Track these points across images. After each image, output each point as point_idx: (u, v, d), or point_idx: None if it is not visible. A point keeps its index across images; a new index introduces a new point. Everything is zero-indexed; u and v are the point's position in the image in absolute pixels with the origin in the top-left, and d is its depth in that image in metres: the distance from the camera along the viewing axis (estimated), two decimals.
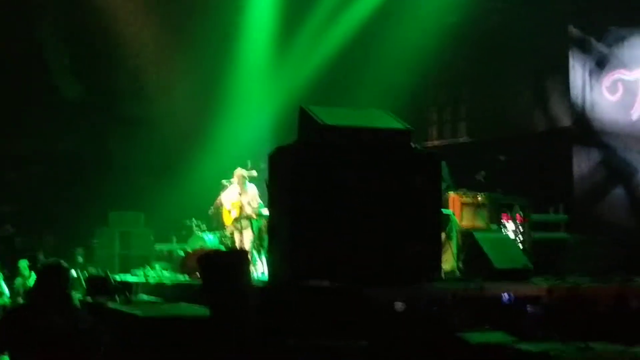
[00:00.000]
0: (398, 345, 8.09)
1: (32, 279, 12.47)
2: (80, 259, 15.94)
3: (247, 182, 13.48)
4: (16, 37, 19.00)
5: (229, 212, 13.34)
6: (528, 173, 14.47)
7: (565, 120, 15.26)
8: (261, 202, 13.14)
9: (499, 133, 16.40)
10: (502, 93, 16.75)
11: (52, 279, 6.72)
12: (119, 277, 12.54)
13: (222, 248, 13.32)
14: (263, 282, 10.35)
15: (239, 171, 13.56)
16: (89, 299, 10.16)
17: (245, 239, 12.93)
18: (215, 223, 14.51)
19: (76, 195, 18.32)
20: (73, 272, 12.72)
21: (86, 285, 11.09)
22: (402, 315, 8.56)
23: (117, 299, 9.76)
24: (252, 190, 13.42)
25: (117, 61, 19.12)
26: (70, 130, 19.79)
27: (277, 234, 9.42)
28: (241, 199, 13.27)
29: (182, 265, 13.04)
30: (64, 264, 7.03)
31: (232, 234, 13.62)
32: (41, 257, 13.19)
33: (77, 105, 19.60)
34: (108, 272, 11.12)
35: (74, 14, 19.10)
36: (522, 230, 12.05)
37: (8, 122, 19.29)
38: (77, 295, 10.04)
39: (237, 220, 13.32)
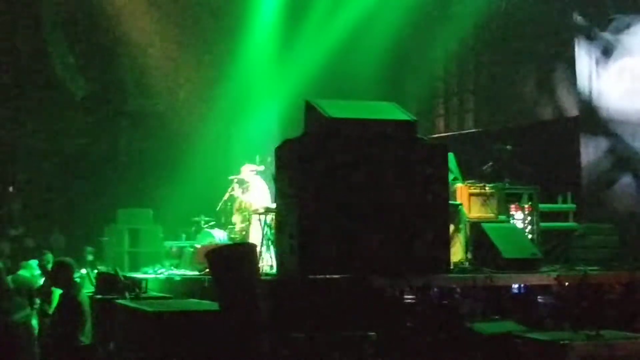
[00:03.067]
0: (408, 336, 8.11)
1: (40, 278, 12.51)
2: (90, 257, 15.97)
3: (255, 177, 13.53)
4: (21, 34, 19.06)
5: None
6: (535, 162, 14.43)
7: (572, 109, 15.23)
8: (269, 196, 13.19)
9: (506, 123, 16.42)
10: (508, 83, 16.74)
11: None
12: (128, 274, 12.57)
13: (231, 243, 13.34)
14: (271, 275, 10.37)
15: (247, 167, 13.61)
16: (99, 296, 10.20)
17: (253, 234, 12.95)
18: (223, 219, 14.55)
19: (85, 193, 18.38)
20: (83, 270, 12.81)
21: (96, 282, 11.13)
22: (412, 306, 8.59)
23: (127, 295, 9.79)
24: (260, 185, 13.46)
25: (123, 58, 19.16)
26: (78, 128, 19.86)
27: (285, 227, 9.43)
28: (249, 194, 13.32)
29: (191, 261, 13.08)
30: None
31: (240, 229, 13.66)
32: (49, 256, 13.18)
33: (83, 101, 19.65)
34: (117, 270, 11.15)
35: (79, 11, 19.14)
36: (530, 219, 12.04)
37: (15, 121, 19.36)
38: (87, 293, 10.09)
39: (245, 215, 13.37)
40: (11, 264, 14.74)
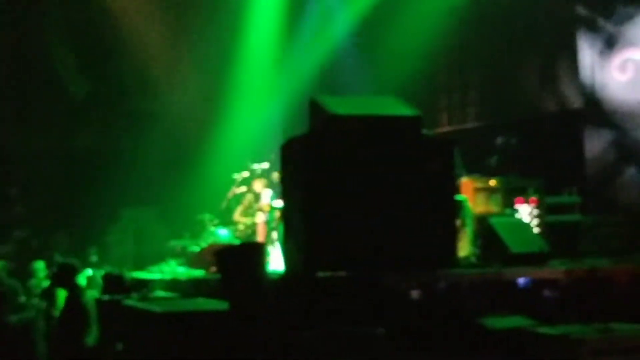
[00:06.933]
0: (416, 332, 8.09)
1: (47, 281, 12.51)
2: (94, 258, 15.95)
3: (260, 174, 13.52)
4: (21, 35, 19.03)
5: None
6: (540, 155, 14.42)
7: (576, 102, 15.19)
8: (274, 194, 13.16)
9: (509, 116, 16.35)
10: (511, 76, 16.68)
11: None
12: (134, 274, 12.55)
13: (236, 242, 13.33)
14: (278, 273, 10.34)
15: (253, 165, 13.61)
16: (105, 297, 10.18)
17: (259, 232, 12.94)
18: (227, 217, 14.53)
19: (88, 193, 18.31)
20: (89, 271, 12.80)
21: (102, 283, 11.12)
22: (420, 302, 8.56)
23: (134, 296, 9.77)
24: (266, 183, 13.45)
25: (124, 56, 19.13)
26: (79, 127, 19.82)
27: (291, 225, 9.40)
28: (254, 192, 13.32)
29: (197, 260, 13.05)
30: None
31: (245, 227, 13.65)
32: (58, 257, 13.17)
33: (85, 101, 19.62)
34: (123, 270, 11.15)
35: (78, 11, 19.11)
36: (536, 213, 12.00)
37: (16, 121, 19.34)
38: (93, 294, 10.08)
39: (250, 213, 13.35)
40: (16, 266, 14.74)
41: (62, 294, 10.50)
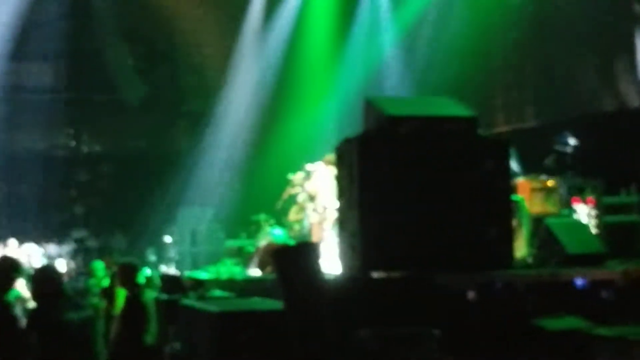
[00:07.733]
0: (471, 333, 8.07)
1: (106, 280, 12.68)
2: (152, 258, 16.16)
3: (315, 175, 13.54)
4: (80, 38, 19.33)
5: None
6: (598, 155, 14.24)
7: (634, 100, 15.00)
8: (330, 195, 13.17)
9: (566, 115, 16.18)
10: (568, 74, 16.51)
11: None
12: (191, 274, 12.67)
13: (292, 242, 13.37)
14: (334, 274, 10.37)
15: (307, 165, 13.64)
16: (163, 296, 10.30)
17: (314, 232, 12.97)
18: (283, 218, 14.60)
19: (145, 194, 18.58)
20: (147, 271, 12.95)
21: (160, 283, 11.24)
22: (475, 303, 8.53)
23: (191, 295, 9.87)
24: (321, 183, 13.47)
25: (180, 58, 19.33)
26: (136, 130, 20.10)
27: (346, 225, 9.44)
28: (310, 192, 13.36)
29: (253, 260, 13.14)
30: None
31: (300, 227, 13.69)
32: (118, 257, 13.38)
33: (141, 104, 19.87)
34: (180, 269, 11.27)
35: (135, 14, 19.37)
36: (594, 213, 11.86)
37: (75, 125, 19.65)
38: (152, 294, 10.19)
39: (305, 213, 13.40)
40: (75, 266, 14.98)
41: (121, 294, 10.63)
